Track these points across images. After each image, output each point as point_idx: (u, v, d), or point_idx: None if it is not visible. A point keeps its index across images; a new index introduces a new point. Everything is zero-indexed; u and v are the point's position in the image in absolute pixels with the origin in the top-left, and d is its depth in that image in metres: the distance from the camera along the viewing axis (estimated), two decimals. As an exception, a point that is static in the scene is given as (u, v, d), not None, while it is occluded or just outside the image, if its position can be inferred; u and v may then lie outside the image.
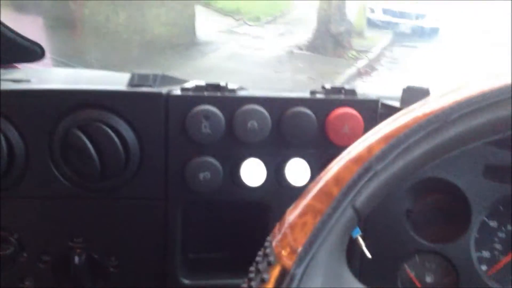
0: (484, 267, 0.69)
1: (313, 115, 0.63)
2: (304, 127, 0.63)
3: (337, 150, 0.66)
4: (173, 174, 0.64)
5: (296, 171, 0.65)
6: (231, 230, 0.73)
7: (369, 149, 0.41)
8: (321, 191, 0.41)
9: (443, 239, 0.70)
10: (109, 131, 0.61)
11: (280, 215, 0.68)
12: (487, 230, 0.70)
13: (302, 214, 0.40)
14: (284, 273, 0.38)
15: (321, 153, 0.66)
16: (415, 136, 0.40)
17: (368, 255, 0.56)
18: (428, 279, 0.72)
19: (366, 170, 0.40)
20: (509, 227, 0.70)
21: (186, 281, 0.68)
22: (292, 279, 0.37)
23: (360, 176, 0.40)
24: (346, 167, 0.41)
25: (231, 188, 0.65)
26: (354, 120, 0.63)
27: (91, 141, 0.60)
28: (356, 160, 0.41)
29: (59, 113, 0.61)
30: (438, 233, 0.71)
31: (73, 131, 0.60)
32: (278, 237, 0.40)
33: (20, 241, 0.66)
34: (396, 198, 0.69)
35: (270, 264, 0.39)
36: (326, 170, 0.42)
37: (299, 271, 0.37)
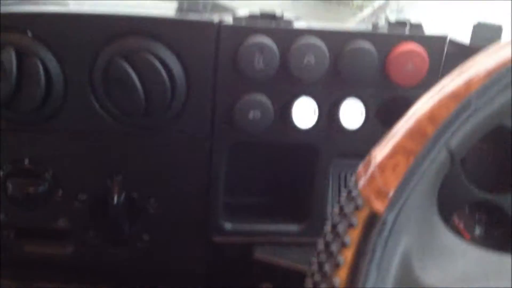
0: (540, 220, 0.66)
1: (374, 51, 0.58)
2: (364, 64, 0.58)
3: (397, 90, 0.62)
4: (221, 111, 0.59)
5: (351, 112, 0.61)
6: (276, 174, 0.69)
7: (468, 84, 0.36)
8: (413, 129, 0.36)
9: (498, 189, 0.66)
10: (156, 61, 0.56)
11: (329, 159, 0.65)
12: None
13: (393, 155, 0.36)
14: (374, 218, 0.34)
15: (379, 94, 0.61)
16: None
17: None
18: (478, 231, 0.69)
19: (465, 107, 0.36)
20: None
21: (227, 226, 0.65)
22: (383, 225, 0.33)
23: (457, 114, 0.36)
24: (441, 104, 0.36)
25: (281, 129, 0.61)
26: (419, 58, 0.58)
27: (136, 72, 0.55)
28: (453, 96, 0.36)
29: (101, 40, 0.56)
30: (493, 183, 0.67)
31: (116, 61, 0.55)
32: (365, 178, 0.36)
33: (55, 178, 0.62)
34: None
35: (357, 208, 0.35)
36: (415, 107, 0.38)
37: (391, 217, 0.34)
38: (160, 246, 0.66)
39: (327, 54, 0.57)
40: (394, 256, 0.33)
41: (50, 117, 0.58)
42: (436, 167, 0.36)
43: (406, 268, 0.33)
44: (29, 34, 0.55)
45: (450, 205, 0.67)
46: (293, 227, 0.66)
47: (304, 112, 0.60)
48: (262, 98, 0.59)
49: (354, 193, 0.36)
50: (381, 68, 0.59)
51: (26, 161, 0.61)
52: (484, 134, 0.38)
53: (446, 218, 0.67)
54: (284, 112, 0.60)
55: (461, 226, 0.69)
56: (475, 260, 0.36)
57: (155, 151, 0.61)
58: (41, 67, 0.55)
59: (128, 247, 0.65)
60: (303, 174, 0.66)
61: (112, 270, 0.68)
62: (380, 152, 0.37)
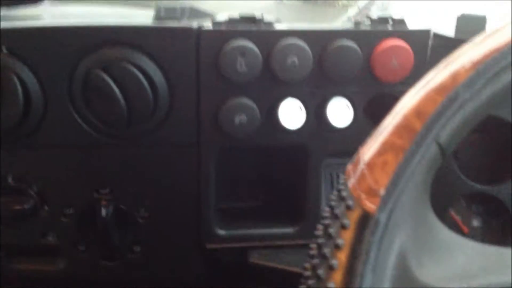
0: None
1: (358, 49, 0.57)
2: (348, 62, 0.57)
3: (383, 87, 0.61)
4: (206, 117, 0.58)
5: (338, 111, 0.60)
6: (267, 178, 0.68)
7: (454, 76, 0.35)
8: (401, 125, 0.35)
9: (494, 180, 0.66)
10: (136, 71, 0.55)
11: (320, 159, 0.64)
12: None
13: (382, 152, 0.35)
14: (366, 218, 0.33)
15: (365, 91, 0.60)
16: (506, 60, 0.35)
17: None
18: (476, 223, 0.68)
19: (452, 100, 0.35)
20: None
21: (221, 232, 0.64)
22: (376, 225, 0.33)
23: (445, 107, 0.35)
24: (428, 98, 0.35)
25: (269, 131, 0.60)
26: (404, 53, 0.58)
27: (116, 83, 0.54)
28: (440, 89, 0.35)
29: (79, 52, 0.55)
30: (487, 175, 0.67)
31: (95, 72, 0.54)
32: (355, 178, 0.35)
33: (41, 194, 0.61)
34: None
35: (349, 209, 0.34)
36: (402, 102, 0.37)
37: (384, 216, 0.33)
38: (153, 256, 0.65)
39: (310, 54, 0.56)
40: (389, 256, 0.32)
41: (31, 132, 0.57)
42: (427, 162, 0.35)
43: (402, 267, 0.33)
44: (4, 50, 0.54)
45: (445, 199, 0.66)
46: (287, 230, 0.65)
47: (292, 113, 0.59)
48: (248, 101, 0.58)
49: (344, 193, 0.35)
50: (366, 65, 0.59)
51: (10, 179, 0.60)
52: (474, 126, 0.38)
53: (443, 212, 0.67)
54: (271, 114, 0.59)
55: (458, 219, 0.69)
56: (473, 255, 0.35)
57: (142, 161, 0.60)
58: (18, 83, 0.54)
59: (120, 259, 0.64)
60: (295, 176, 0.66)
61: (105, 284, 0.66)
62: (369, 150, 0.36)
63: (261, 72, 0.56)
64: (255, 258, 0.65)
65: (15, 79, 0.54)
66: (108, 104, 0.55)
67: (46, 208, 0.61)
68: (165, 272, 0.66)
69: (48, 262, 0.65)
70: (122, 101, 0.55)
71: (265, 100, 0.59)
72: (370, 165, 0.35)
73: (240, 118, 0.58)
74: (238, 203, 0.69)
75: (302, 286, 0.35)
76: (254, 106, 0.58)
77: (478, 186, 0.65)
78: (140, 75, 0.55)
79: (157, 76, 0.56)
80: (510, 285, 0.33)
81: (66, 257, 0.64)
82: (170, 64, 0.56)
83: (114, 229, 0.62)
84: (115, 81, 0.54)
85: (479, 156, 0.68)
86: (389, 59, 0.58)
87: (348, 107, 0.60)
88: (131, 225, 0.63)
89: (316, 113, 0.60)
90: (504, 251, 0.36)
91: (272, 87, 0.58)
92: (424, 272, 0.33)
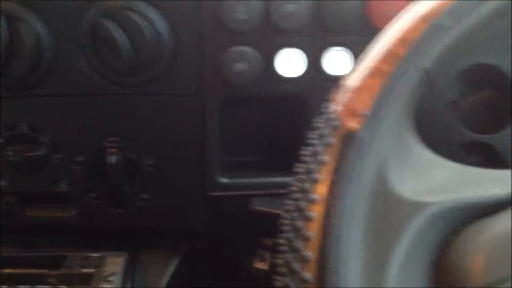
0: (534, 158, 0.67)
1: None
2: (346, 10, 0.59)
3: (382, 36, 0.63)
4: (209, 66, 0.60)
5: (338, 60, 0.61)
6: (269, 131, 0.70)
7: (439, 5, 0.37)
8: (386, 52, 0.37)
9: (490, 130, 0.67)
10: (141, 19, 0.57)
11: (319, 110, 0.66)
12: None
13: (367, 77, 0.37)
14: (351, 137, 0.35)
15: (364, 40, 0.61)
16: None
17: None
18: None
19: (436, 27, 0.36)
20: None
21: (224, 180, 0.67)
22: (360, 143, 0.34)
23: (429, 34, 0.36)
24: (413, 25, 0.37)
25: (269, 80, 0.62)
26: (401, 3, 0.59)
27: (122, 31, 0.57)
28: (425, 17, 0.37)
29: (85, 1, 0.57)
30: (485, 125, 0.68)
31: (101, 21, 0.56)
32: (341, 102, 0.37)
33: (53, 142, 0.63)
34: (441, 87, 0.65)
35: (335, 129, 0.36)
36: (389, 30, 0.39)
37: (368, 135, 0.35)
38: (160, 204, 0.67)
39: (309, 2, 0.58)
40: (370, 171, 0.34)
41: (41, 81, 0.60)
42: (411, 87, 0.37)
43: (382, 182, 0.34)
44: None
45: (442, 147, 0.68)
46: (288, 179, 0.67)
47: (291, 63, 0.61)
48: (248, 50, 0.60)
49: (330, 116, 0.37)
50: (364, 14, 0.60)
51: (24, 127, 0.62)
52: (459, 55, 0.39)
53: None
54: (271, 63, 0.61)
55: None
56: (453, 173, 0.37)
57: (148, 110, 0.63)
58: (30, 31, 0.56)
59: (129, 207, 0.67)
60: (296, 127, 0.67)
61: (116, 231, 0.69)
62: (354, 76, 0.38)
63: (261, 20, 0.58)
64: (256, 206, 0.67)
65: (26, 28, 0.56)
66: (113, 52, 0.57)
67: (57, 155, 0.64)
68: (171, 220, 0.69)
69: (60, 209, 0.67)
70: (127, 49, 0.57)
71: (266, 49, 0.60)
72: (356, 89, 0.37)
73: (240, 66, 0.59)
74: (241, 157, 0.71)
75: (288, 200, 0.37)
76: (255, 54, 0.60)
77: (475, 135, 0.66)
78: (145, 24, 0.57)
79: (162, 25, 0.58)
80: (486, 199, 0.35)
81: (77, 204, 0.67)
82: (174, 12, 0.58)
83: (122, 177, 0.64)
84: (120, 29, 0.57)
85: (479, 107, 0.69)
86: (386, 8, 0.59)
87: (348, 56, 0.62)
88: (139, 173, 0.65)
89: (316, 62, 0.62)
90: (484, 171, 0.38)
91: (272, 35, 0.60)
92: (403, 186, 0.34)
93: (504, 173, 0.37)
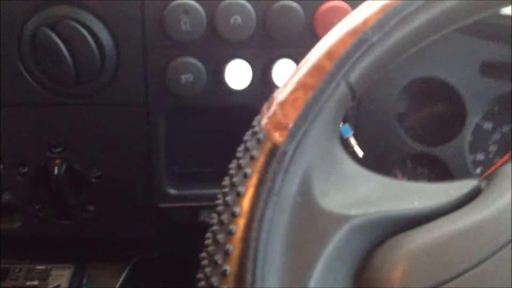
0: (479, 170, 0.68)
1: (300, 9, 0.59)
2: (292, 22, 0.59)
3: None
4: (153, 77, 0.60)
5: (284, 72, 0.62)
6: (216, 141, 0.70)
7: (365, 19, 0.37)
8: (312, 66, 0.37)
9: (437, 142, 0.68)
10: (82, 29, 0.56)
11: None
12: (482, 132, 0.68)
13: (293, 91, 0.37)
14: (274, 149, 0.35)
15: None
16: (414, 5, 0.37)
17: (360, 153, 0.54)
18: (420, 184, 0.71)
19: (361, 42, 0.37)
20: (505, 128, 0.68)
21: (173, 191, 0.66)
22: (283, 155, 0.34)
23: (354, 49, 0.37)
24: (339, 40, 0.38)
25: (215, 92, 0.62)
26: (345, 14, 0.59)
27: (63, 41, 0.56)
28: (351, 32, 0.37)
29: (26, 10, 0.56)
30: (432, 137, 0.69)
31: (42, 30, 0.56)
32: (267, 115, 0.37)
33: None
34: (388, 101, 0.66)
35: (259, 142, 0.36)
36: (317, 45, 0.39)
37: (291, 148, 0.35)
38: (107, 215, 0.66)
39: (253, 14, 0.58)
40: (293, 184, 0.34)
41: None
42: (336, 100, 0.37)
43: (306, 195, 0.34)
44: None
45: (391, 161, 0.69)
46: None
47: (238, 74, 0.61)
48: (194, 61, 0.59)
49: (256, 129, 0.37)
50: (309, 26, 0.60)
51: None
52: (385, 69, 0.39)
53: (388, 173, 0.69)
54: (217, 74, 0.61)
55: (404, 180, 0.71)
56: (377, 186, 0.37)
57: (92, 120, 0.62)
58: None
59: (75, 218, 0.66)
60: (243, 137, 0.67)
61: (62, 243, 0.68)
62: (282, 90, 0.38)
63: (205, 31, 0.58)
64: (206, 217, 0.67)
65: None
66: (55, 62, 0.56)
67: (1, 166, 0.63)
68: (119, 231, 0.68)
69: (4, 221, 0.66)
70: (69, 59, 0.56)
71: (212, 60, 0.60)
72: (282, 102, 0.37)
73: (186, 77, 0.59)
74: (191, 168, 0.71)
75: (214, 213, 0.37)
76: (201, 65, 0.59)
77: (421, 147, 0.68)
78: (87, 34, 0.56)
79: (104, 34, 0.57)
80: (407, 212, 0.35)
81: (22, 216, 0.66)
82: (116, 22, 0.58)
83: (67, 188, 0.63)
84: (62, 39, 0.56)
85: (425, 119, 0.70)
86: (332, 20, 0.60)
87: (294, 68, 0.62)
88: (85, 184, 0.64)
89: (262, 74, 0.62)
90: (408, 184, 0.39)
91: (218, 47, 0.60)
92: (326, 199, 0.35)
93: (428, 186, 0.38)
